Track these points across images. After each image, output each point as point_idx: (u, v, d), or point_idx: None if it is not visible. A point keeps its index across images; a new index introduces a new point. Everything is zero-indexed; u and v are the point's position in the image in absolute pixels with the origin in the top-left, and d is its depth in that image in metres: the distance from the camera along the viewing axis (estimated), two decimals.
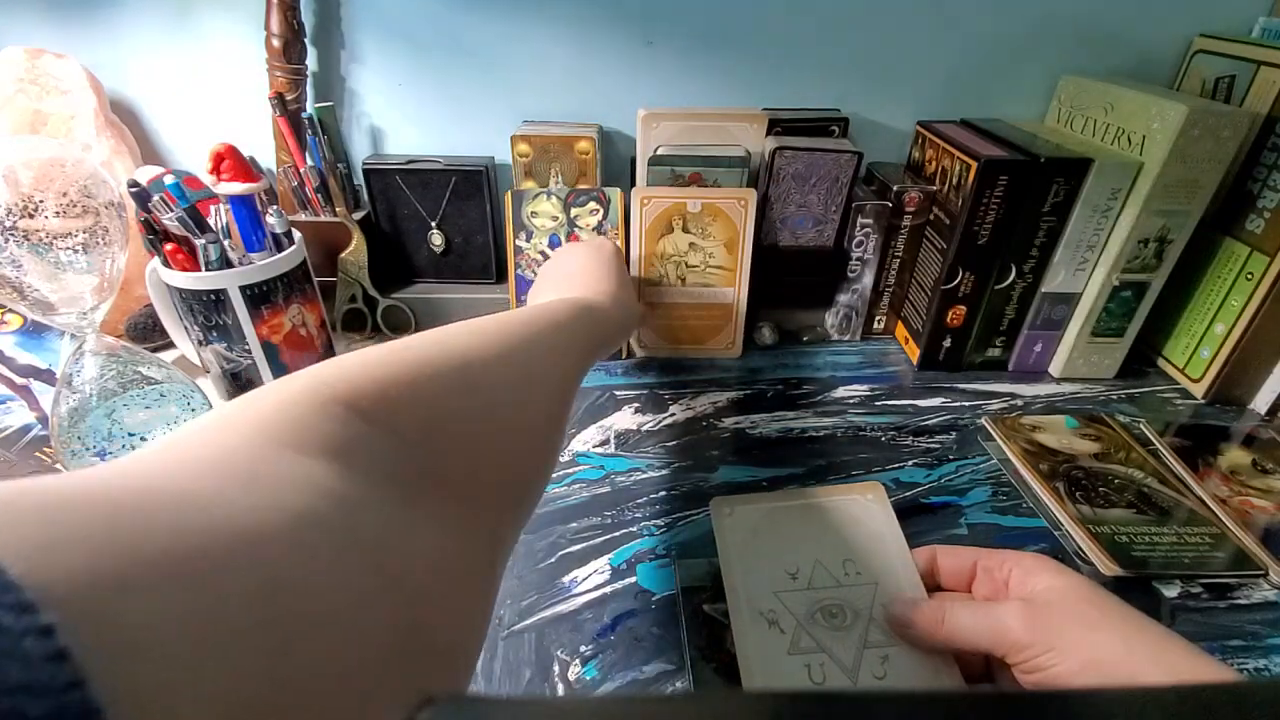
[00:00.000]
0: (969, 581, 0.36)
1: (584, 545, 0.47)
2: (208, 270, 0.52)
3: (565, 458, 0.55)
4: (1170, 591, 0.44)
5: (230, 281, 0.52)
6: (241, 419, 0.19)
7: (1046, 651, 0.28)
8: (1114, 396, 0.65)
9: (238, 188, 0.53)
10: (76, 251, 0.44)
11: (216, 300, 0.52)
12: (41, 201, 0.42)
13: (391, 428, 0.22)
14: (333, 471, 0.18)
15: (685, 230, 0.64)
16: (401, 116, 0.74)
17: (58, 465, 0.51)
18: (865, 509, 0.43)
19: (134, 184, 0.51)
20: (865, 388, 0.65)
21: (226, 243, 0.53)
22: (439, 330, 0.29)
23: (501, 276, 0.74)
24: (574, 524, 0.49)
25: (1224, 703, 0.11)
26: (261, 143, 0.69)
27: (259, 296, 0.54)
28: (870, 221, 0.67)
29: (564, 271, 0.52)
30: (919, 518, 0.50)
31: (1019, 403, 0.64)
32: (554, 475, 0.48)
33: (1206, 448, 0.57)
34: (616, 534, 0.48)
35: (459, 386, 0.26)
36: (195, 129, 0.74)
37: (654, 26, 0.69)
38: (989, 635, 0.31)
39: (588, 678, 0.39)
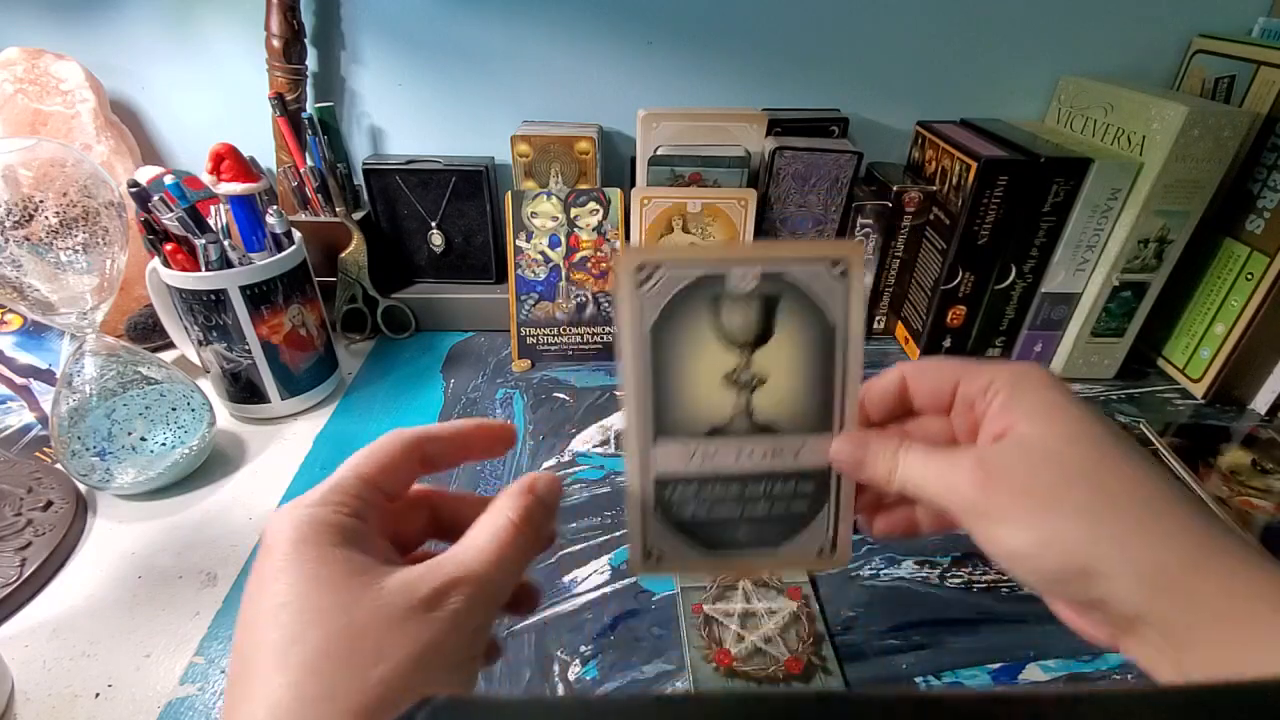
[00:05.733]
0: (949, 407, 0.28)
1: (584, 545, 0.47)
2: (208, 270, 0.52)
3: (565, 458, 0.55)
4: None
5: (230, 281, 0.52)
6: None
7: (999, 524, 0.22)
8: (1114, 396, 0.65)
9: (238, 188, 0.53)
10: (76, 251, 0.44)
11: (216, 300, 0.52)
12: (41, 201, 0.42)
13: None
14: None
15: (685, 230, 0.64)
16: (401, 116, 0.74)
17: (58, 465, 0.51)
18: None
19: (134, 184, 0.51)
20: None
21: (226, 243, 0.53)
22: None
23: (501, 276, 0.74)
24: (574, 524, 0.49)
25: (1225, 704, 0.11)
26: (261, 143, 0.69)
27: (259, 296, 0.54)
28: (870, 222, 0.67)
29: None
30: None
31: None
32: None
33: (1206, 448, 0.57)
34: (617, 534, 0.48)
35: None
36: (195, 129, 0.74)
37: (654, 26, 0.69)
38: (943, 493, 0.24)
39: (588, 678, 0.39)
